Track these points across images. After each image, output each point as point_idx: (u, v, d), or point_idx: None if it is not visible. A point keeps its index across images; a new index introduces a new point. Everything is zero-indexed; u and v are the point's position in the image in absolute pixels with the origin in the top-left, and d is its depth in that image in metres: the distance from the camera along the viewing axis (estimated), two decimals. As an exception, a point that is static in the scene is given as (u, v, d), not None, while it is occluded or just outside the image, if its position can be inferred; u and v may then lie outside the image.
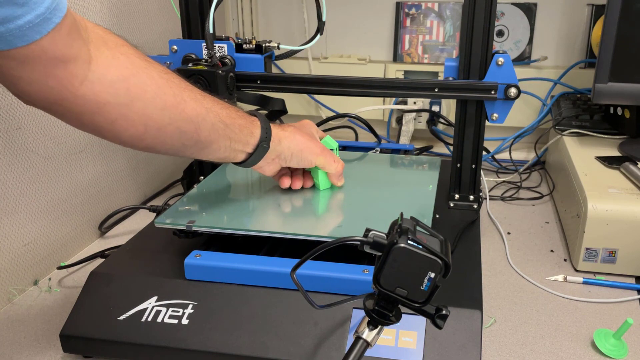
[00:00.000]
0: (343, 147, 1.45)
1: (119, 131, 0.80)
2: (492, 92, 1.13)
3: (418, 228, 0.68)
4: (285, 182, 1.11)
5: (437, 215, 1.12)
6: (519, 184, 1.55)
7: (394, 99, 1.79)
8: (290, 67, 1.86)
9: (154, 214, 1.25)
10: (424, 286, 0.64)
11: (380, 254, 0.65)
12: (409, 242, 0.63)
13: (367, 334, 0.68)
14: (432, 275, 0.63)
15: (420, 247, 0.63)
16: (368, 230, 0.67)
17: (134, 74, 0.79)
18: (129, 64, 0.79)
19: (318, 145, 1.08)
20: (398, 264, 0.63)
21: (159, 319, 0.91)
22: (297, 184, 1.12)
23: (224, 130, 0.93)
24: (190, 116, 0.87)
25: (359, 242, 0.67)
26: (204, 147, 0.92)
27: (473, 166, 1.22)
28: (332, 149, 1.13)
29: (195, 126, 0.88)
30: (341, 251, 0.79)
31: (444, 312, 0.66)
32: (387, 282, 0.64)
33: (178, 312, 0.91)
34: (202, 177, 1.33)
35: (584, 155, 1.33)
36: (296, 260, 0.71)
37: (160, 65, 0.85)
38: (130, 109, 0.78)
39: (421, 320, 0.86)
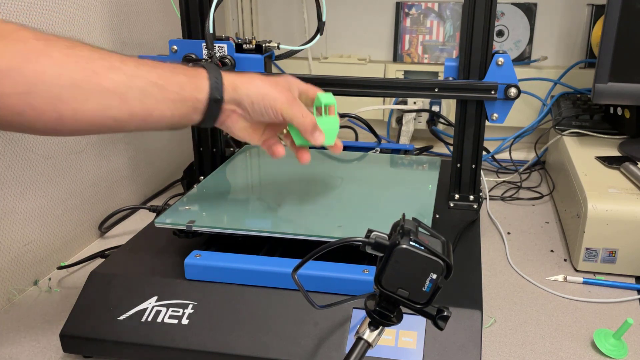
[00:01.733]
0: (343, 147, 1.44)
1: (31, 122, 0.75)
2: (492, 92, 1.13)
3: (420, 229, 0.68)
4: (278, 151, 1.01)
5: (437, 215, 1.12)
6: (519, 184, 1.55)
7: (394, 99, 1.79)
8: (290, 67, 1.86)
9: (154, 214, 1.25)
10: (425, 287, 0.64)
11: (382, 254, 0.65)
12: (410, 243, 0.63)
13: (368, 335, 0.68)
14: (434, 276, 0.63)
15: (422, 248, 0.63)
16: (370, 231, 0.67)
17: (28, 59, 0.73)
18: (23, 48, 0.73)
19: (284, 94, 0.94)
20: (400, 265, 0.63)
21: (159, 319, 0.91)
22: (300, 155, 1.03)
23: (161, 94, 0.84)
24: (108, 87, 0.79)
25: (360, 243, 0.67)
26: (144, 119, 0.84)
27: (473, 166, 1.22)
28: (328, 105, 1.00)
29: (120, 97, 0.80)
30: (341, 251, 0.79)
31: (445, 313, 0.66)
32: (388, 283, 0.64)
33: (178, 312, 0.91)
34: (202, 177, 1.33)
35: (584, 155, 1.33)
36: (296, 260, 0.71)
37: (66, 40, 0.78)
38: (32, 96, 0.73)
39: (421, 320, 0.86)
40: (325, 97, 0.99)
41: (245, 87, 0.92)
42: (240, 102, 0.92)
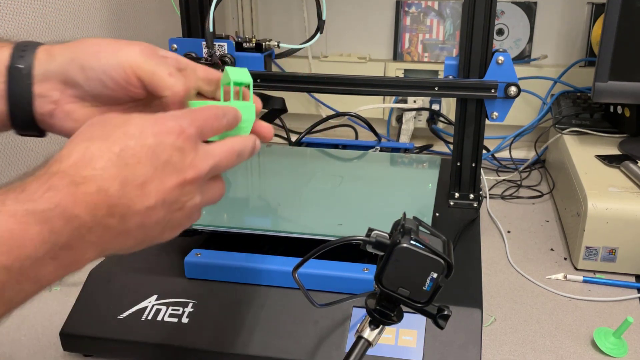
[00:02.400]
0: (343, 146, 1.44)
1: None
2: (492, 91, 1.13)
3: (420, 228, 0.68)
4: None
5: (437, 214, 1.12)
6: (519, 182, 1.55)
7: (394, 97, 1.79)
8: (290, 65, 1.86)
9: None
10: (426, 286, 0.64)
11: (382, 253, 0.65)
12: (411, 242, 0.63)
13: (369, 334, 0.68)
14: (435, 275, 0.63)
15: (423, 247, 0.63)
16: (371, 230, 0.67)
17: None
18: None
19: (137, 45, 0.64)
20: (400, 264, 0.63)
21: (159, 318, 0.90)
22: None
23: None
24: None
25: (361, 242, 0.67)
26: None
27: (473, 165, 1.22)
28: (240, 85, 0.68)
29: None
30: (341, 250, 0.79)
31: (445, 312, 0.66)
32: (389, 282, 0.64)
33: (178, 310, 0.91)
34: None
35: (584, 153, 1.33)
36: (296, 259, 0.71)
37: None
38: None
39: (421, 319, 0.86)
40: (237, 73, 0.67)
41: (69, 49, 0.63)
42: (66, 73, 0.62)
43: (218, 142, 0.61)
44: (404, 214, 0.69)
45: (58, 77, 0.62)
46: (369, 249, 0.67)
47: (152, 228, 0.56)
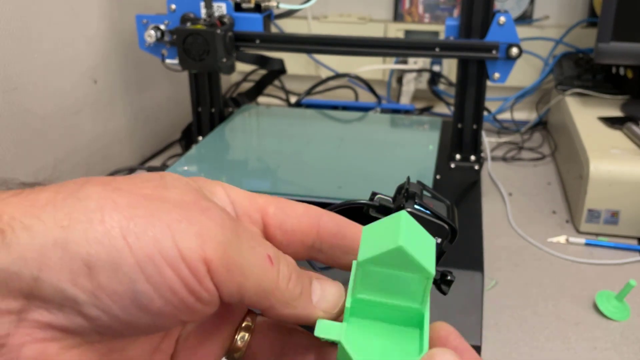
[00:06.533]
0: (343, 107, 1.43)
1: None
2: (494, 52, 1.12)
3: (424, 192, 0.67)
4: None
5: (439, 176, 1.12)
6: (520, 144, 1.54)
7: (394, 58, 1.77)
8: (289, 26, 1.84)
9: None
10: (430, 251, 0.63)
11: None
12: (415, 206, 0.62)
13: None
14: (439, 240, 0.62)
15: (428, 212, 0.62)
16: (374, 194, 0.66)
17: None
18: None
19: (204, 214, 0.36)
20: (404, 229, 0.63)
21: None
22: None
23: None
24: None
25: (364, 206, 0.66)
26: None
27: (474, 126, 1.21)
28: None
29: None
30: (341, 213, 0.78)
31: (449, 277, 0.65)
32: (391, 247, 0.64)
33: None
34: (200, 138, 1.32)
35: (586, 115, 1.32)
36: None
37: None
38: None
39: (422, 283, 0.86)
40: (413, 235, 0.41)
41: (55, 216, 0.30)
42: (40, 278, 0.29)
43: None
44: (408, 178, 0.68)
45: (17, 284, 0.29)
46: (372, 213, 0.66)
47: None
